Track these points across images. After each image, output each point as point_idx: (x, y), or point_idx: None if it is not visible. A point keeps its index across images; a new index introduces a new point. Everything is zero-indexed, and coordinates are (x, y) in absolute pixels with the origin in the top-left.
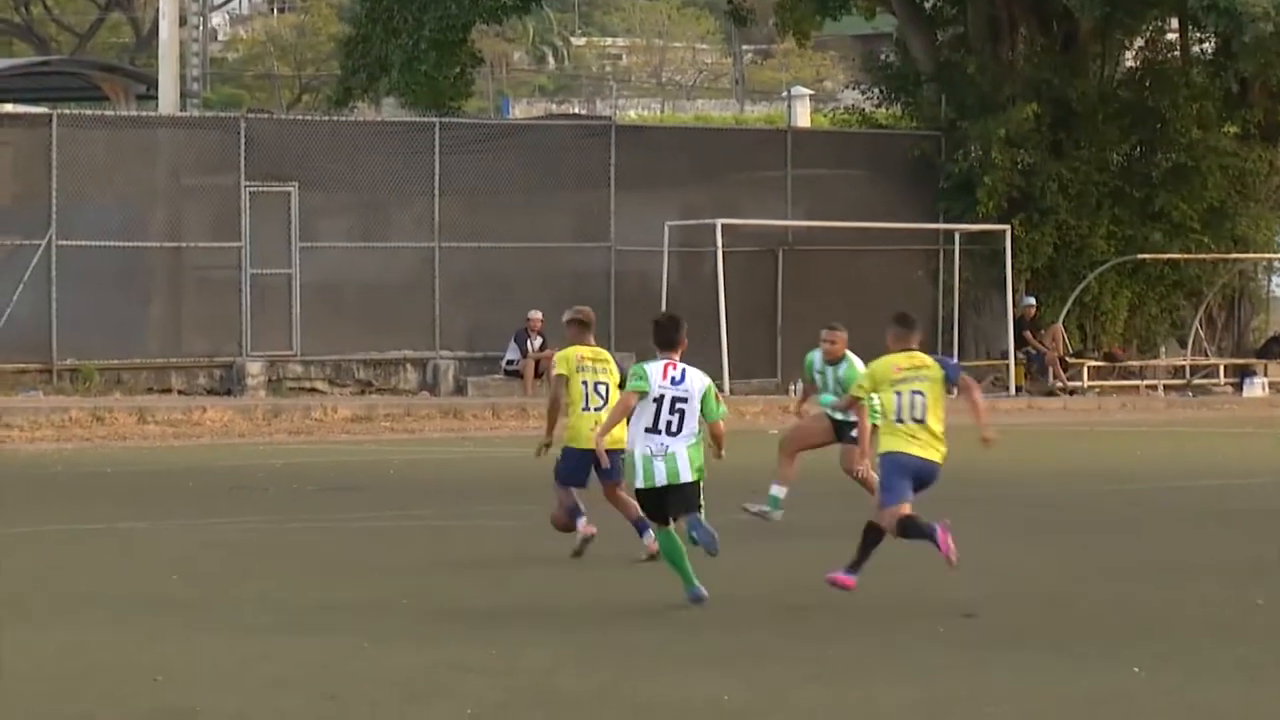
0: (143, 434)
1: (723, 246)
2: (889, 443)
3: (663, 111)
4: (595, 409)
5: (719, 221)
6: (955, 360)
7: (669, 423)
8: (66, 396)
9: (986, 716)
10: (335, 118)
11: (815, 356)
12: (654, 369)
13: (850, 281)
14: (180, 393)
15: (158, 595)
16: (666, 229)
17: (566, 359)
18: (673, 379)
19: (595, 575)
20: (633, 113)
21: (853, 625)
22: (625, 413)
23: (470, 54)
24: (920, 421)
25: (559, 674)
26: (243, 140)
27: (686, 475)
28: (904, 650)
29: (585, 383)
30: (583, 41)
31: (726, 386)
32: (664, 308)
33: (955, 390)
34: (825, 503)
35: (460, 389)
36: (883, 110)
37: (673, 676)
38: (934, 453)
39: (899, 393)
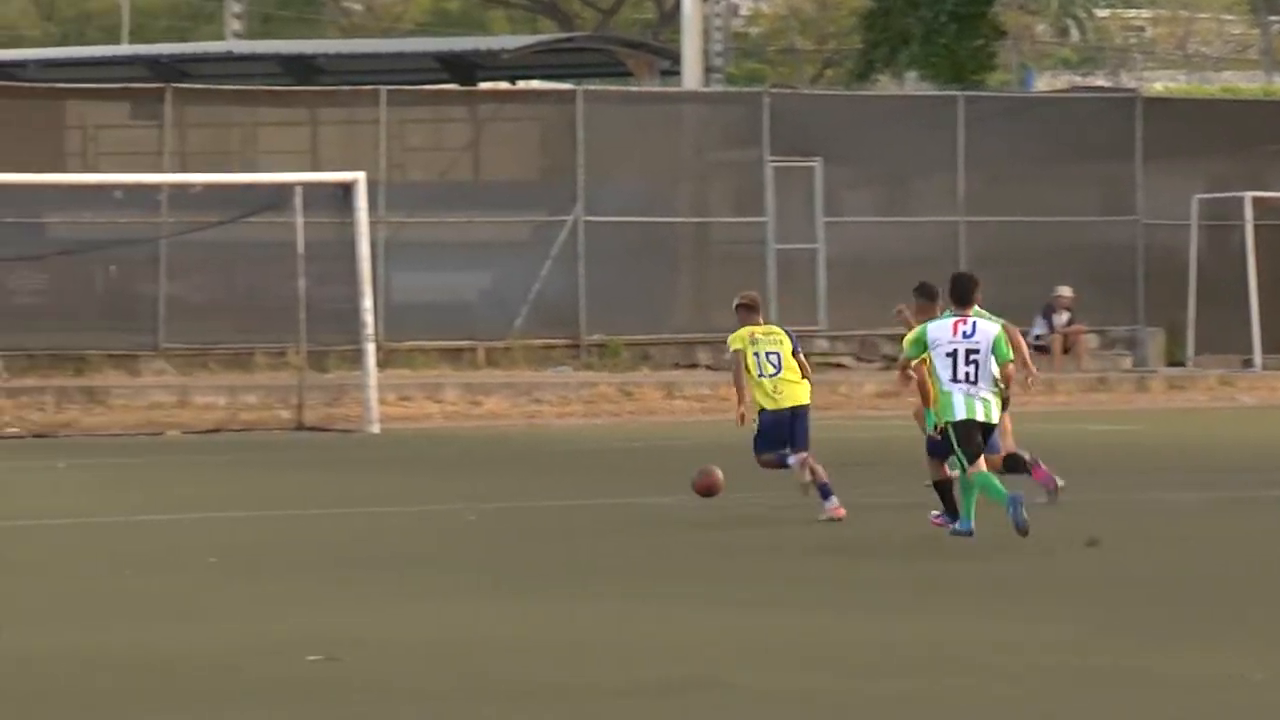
0: (670, 409)
1: (1253, 219)
2: None
3: (1187, 83)
4: (769, 375)
5: (1248, 194)
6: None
7: (966, 373)
8: (594, 372)
9: None
10: (858, 92)
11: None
12: (940, 328)
13: None
14: (707, 368)
15: (680, 569)
16: (1194, 202)
17: (740, 337)
18: (964, 333)
19: (1102, 553)
20: (1159, 84)
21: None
22: (904, 371)
23: (992, 26)
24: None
25: (1082, 650)
26: (766, 115)
27: (996, 418)
28: None
29: (757, 354)
30: (1106, 13)
31: (1258, 360)
32: (1192, 282)
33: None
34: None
35: None
36: None
37: (1194, 654)
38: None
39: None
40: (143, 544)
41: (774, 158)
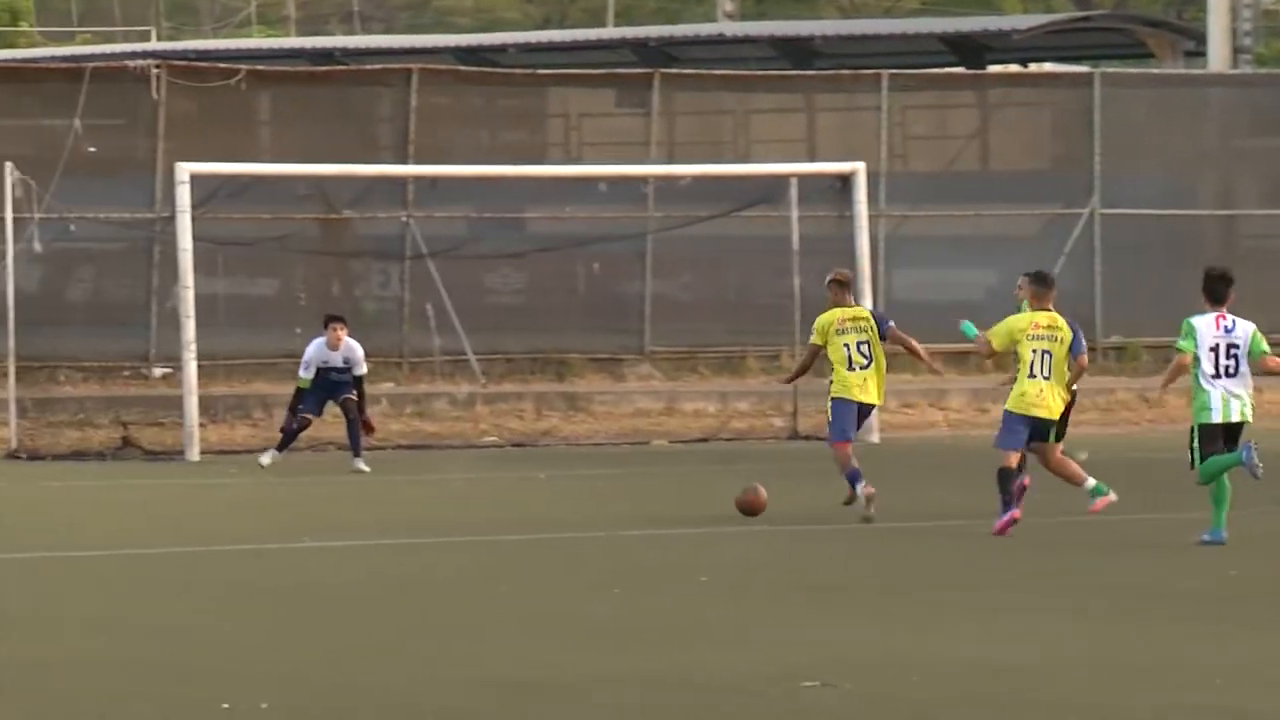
0: (1188, 417)
1: None
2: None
3: None
4: (860, 368)
5: None
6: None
7: (1226, 367)
8: (1112, 377)
9: None
10: None
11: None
12: (1204, 323)
13: None
14: None
15: (1202, 590)
16: None
17: (822, 327)
18: (1225, 328)
19: None
20: None
21: None
22: (1180, 372)
23: None
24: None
25: None
26: None
27: (1249, 416)
28: None
29: (846, 345)
30: None
31: None
32: None
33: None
34: None
35: None
36: None
37: None
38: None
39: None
40: (631, 560)
41: None
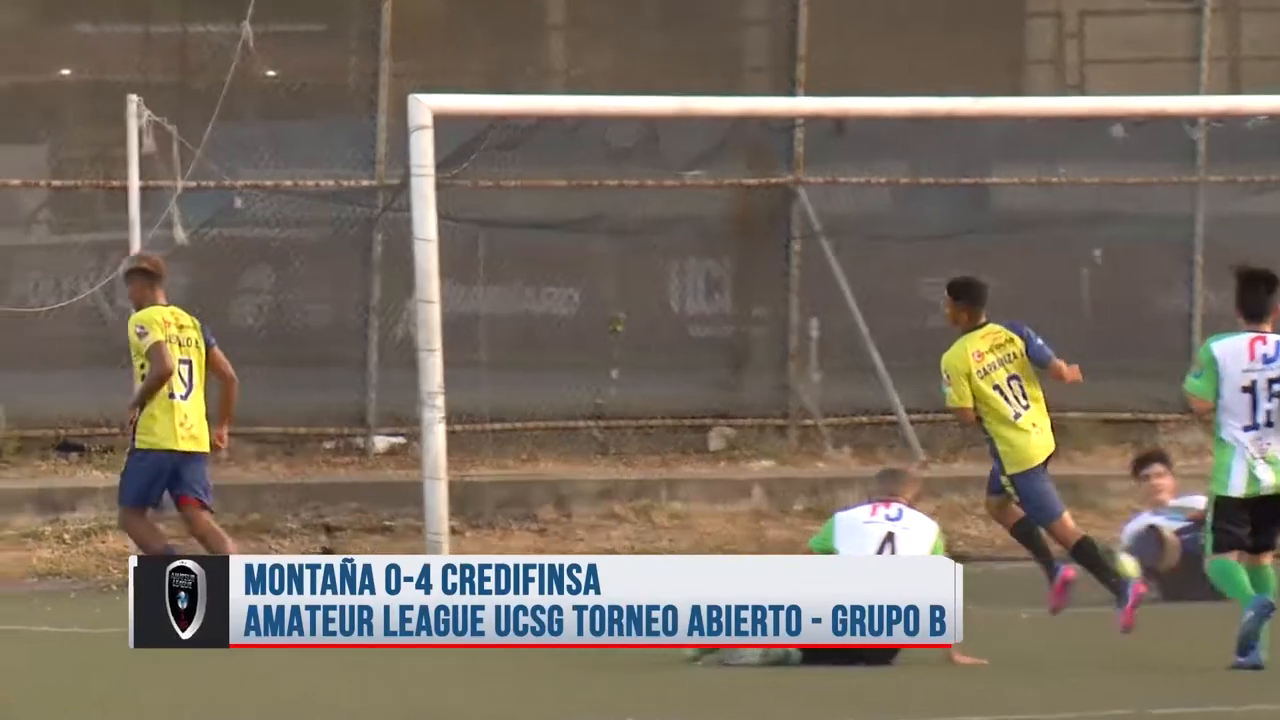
0: None
1: None
2: None
3: None
4: (181, 396)
5: None
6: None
7: (1268, 411)
8: None
9: None
10: None
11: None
12: (1229, 351)
13: None
14: None
15: None
16: None
17: (157, 321)
18: (1264, 356)
19: None
20: None
21: None
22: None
23: None
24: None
25: None
26: None
27: None
28: None
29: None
30: None
31: None
32: None
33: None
34: None
35: None
36: None
37: None
38: None
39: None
40: None
41: None
